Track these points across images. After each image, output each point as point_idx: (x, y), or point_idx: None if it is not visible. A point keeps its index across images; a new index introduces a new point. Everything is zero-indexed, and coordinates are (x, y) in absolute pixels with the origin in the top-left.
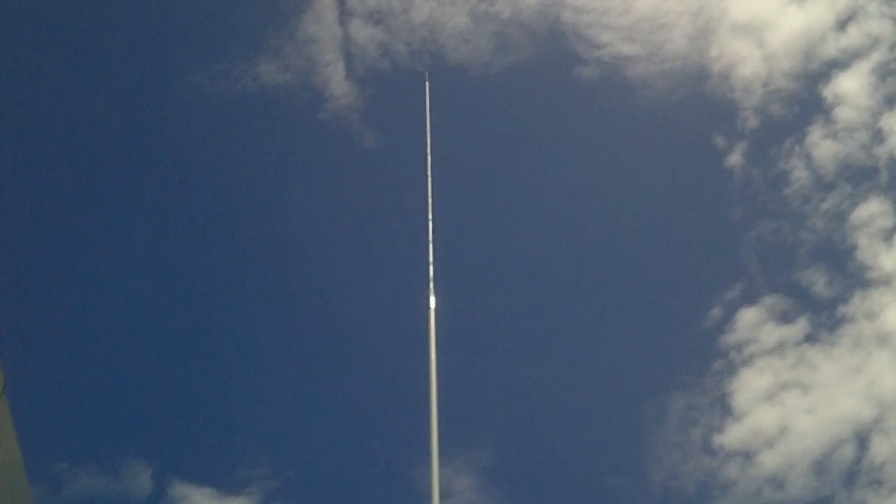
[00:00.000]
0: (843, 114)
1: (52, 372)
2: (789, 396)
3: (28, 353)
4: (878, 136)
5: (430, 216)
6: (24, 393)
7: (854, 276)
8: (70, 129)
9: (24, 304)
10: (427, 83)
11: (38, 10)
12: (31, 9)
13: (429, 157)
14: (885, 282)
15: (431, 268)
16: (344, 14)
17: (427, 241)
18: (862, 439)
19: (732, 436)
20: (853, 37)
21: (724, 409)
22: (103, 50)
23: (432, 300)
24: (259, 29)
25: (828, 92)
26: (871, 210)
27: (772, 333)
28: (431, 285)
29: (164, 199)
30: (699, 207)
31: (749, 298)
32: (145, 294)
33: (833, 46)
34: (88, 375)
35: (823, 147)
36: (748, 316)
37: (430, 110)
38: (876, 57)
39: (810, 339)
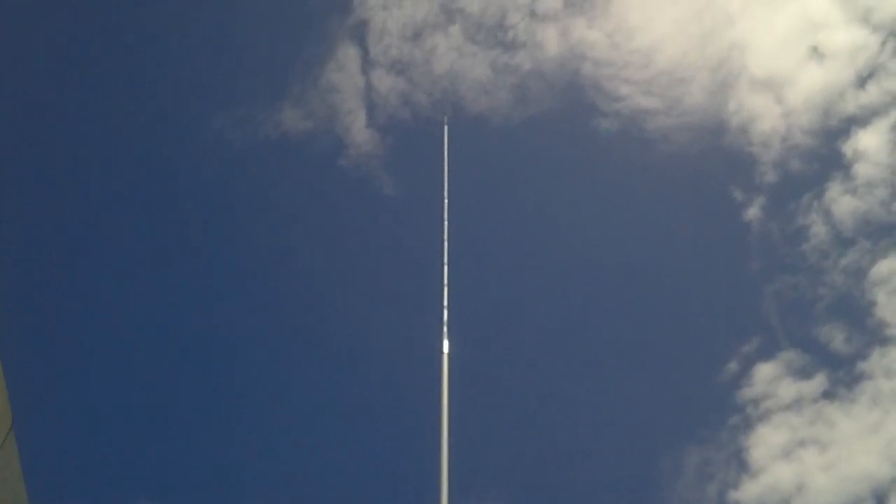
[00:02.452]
0: (863, 170)
1: (60, 414)
2: (806, 453)
3: (37, 393)
4: None
5: (445, 261)
6: (32, 434)
7: (873, 333)
8: (94, 172)
9: (35, 345)
10: (446, 129)
11: (67, 53)
12: (61, 51)
13: (446, 203)
14: None
15: (446, 312)
16: (366, 64)
17: (442, 286)
18: (880, 498)
19: (748, 492)
20: (873, 94)
21: (740, 464)
22: (128, 95)
23: (446, 344)
24: (283, 76)
25: (847, 148)
26: (890, 266)
27: (789, 389)
28: (445, 329)
29: (187, 243)
30: (717, 261)
31: (767, 353)
32: (160, 340)
33: (852, 103)
34: (97, 418)
35: (843, 203)
36: (765, 371)
37: (449, 156)
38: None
39: (828, 395)
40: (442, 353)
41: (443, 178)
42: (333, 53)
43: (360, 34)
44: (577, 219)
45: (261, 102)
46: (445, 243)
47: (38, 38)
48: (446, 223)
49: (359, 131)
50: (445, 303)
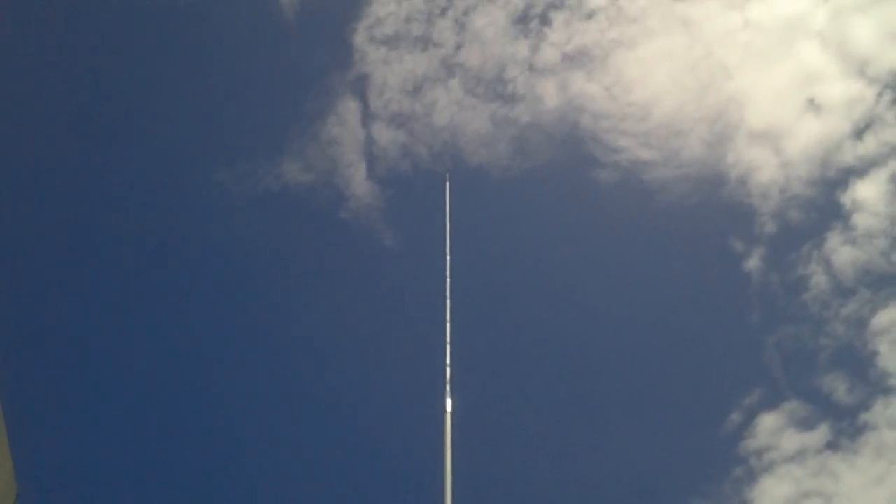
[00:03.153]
0: (862, 220)
1: (66, 489)
2: None
3: (42, 464)
4: None
5: (448, 317)
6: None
7: (876, 383)
8: (96, 227)
9: (38, 420)
10: (448, 184)
11: (69, 108)
12: (63, 106)
13: (448, 257)
14: None
15: (448, 370)
16: (367, 117)
17: (444, 343)
18: None
19: None
20: (870, 145)
21: None
22: (130, 151)
23: (448, 403)
24: (283, 130)
25: (846, 199)
26: (891, 316)
27: (792, 440)
28: (448, 388)
29: (188, 297)
30: (718, 312)
31: (769, 404)
32: (167, 407)
33: (850, 154)
34: (104, 490)
35: (843, 253)
36: (768, 422)
37: (451, 210)
38: (893, 165)
39: (832, 446)
40: (445, 411)
41: (444, 232)
42: (334, 107)
43: (360, 88)
44: (578, 271)
45: (262, 156)
46: (448, 299)
47: (41, 95)
48: (448, 278)
49: (359, 184)
50: (448, 361)
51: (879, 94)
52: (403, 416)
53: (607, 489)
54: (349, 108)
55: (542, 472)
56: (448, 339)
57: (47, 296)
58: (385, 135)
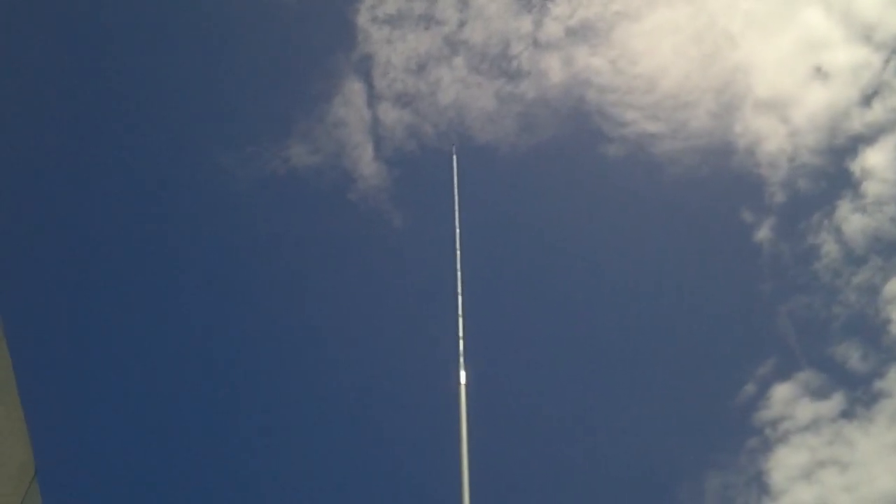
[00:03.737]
0: (872, 188)
1: (84, 466)
2: (827, 474)
3: (60, 445)
4: None
5: (459, 290)
6: (55, 482)
7: (889, 351)
8: (100, 212)
9: (56, 391)
10: (455, 157)
11: (71, 90)
12: (66, 88)
13: (457, 231)
14: None
15: (462, 342)
16: (372, 97)
17: (457, 316)
18: None
19: None
20: (878, 112)
21: (760, 487)
22: (134, 136)
23: (462, 375)
24: (289, 112)
25: (855, 166)
26: None
27: (807, 409)
28: (462, 360)
29: (196, 280)
30: (729, 283)
31: (783, 374)
32: (180, 392)
33: (858, 121)
34: (121, 470)
35: (853, 221)
36: (782, 392)
37: (458, 184)
38: None
39: (846, 415)
40: (459, 384)
41: (453, 207)
42: (339, 88)
43: (364, 68)
44: (589, 245)
45: (267, 139)
46: (459, 272)
47: (41, 76)
48: (458, 251)
49: (367, 164)
50: (461, 333)
51: (886, 61)
52: (418, 390)
53: (621, 460)
54: (354, 88)
55: (556, 444)
56: (460, 312)
57: (57, 277)
58: (391, 115)
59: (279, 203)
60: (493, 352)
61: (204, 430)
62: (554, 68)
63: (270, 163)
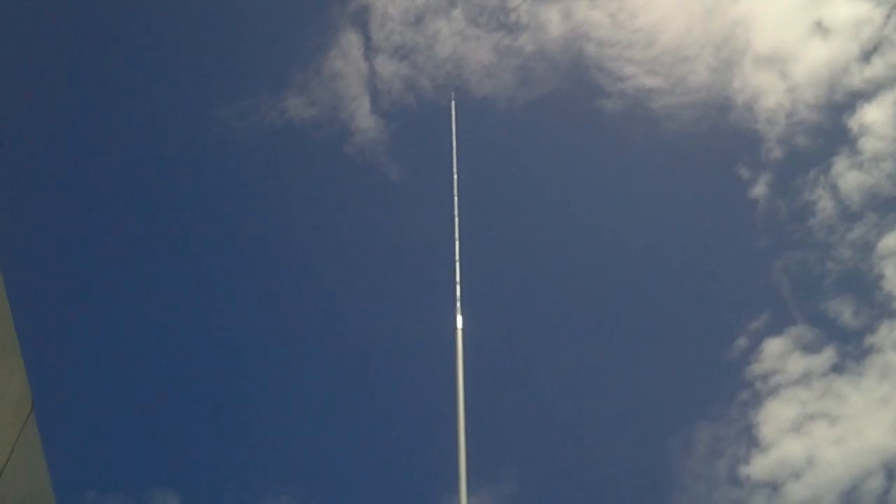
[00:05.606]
0: (869, 144)
1: (81, 400)
2: (816, 427)
3: (57, 379)
4: None
5: (456, 236)
6: (53, 420)
7: (881, 306)
8: (96, 165)
9: (53, 327)
10: (453, 104)
11: (68, 47)
12: (62, 46)
13: (455, 178)
14: None
15: (458, 288)
16: (369, 50)
17: (454, 262)
18: (890, 470)
19: (759, 467)
20: (877, 68)
21: (750, 440)
22: (130, 86)
23: (459, 320)
24: (285, 65)
25: (853, 123)
26: None
27: (798, 363)
28: (458, 305)
29: (193, 235)
30: (724, 238)
31: (775, 328)
32: (174, 325)
33: (857, 78)
34: (118, 405)
35: (849, 177)
36: (774, 346)
37: (457, 131)
38: None
39: (837, 369)
40: (456, 328)
41: (451, 156)
42: (336, 41)
43: (361, 21)
44: (584, 198)
45: (264, 92)
46: (456, 219)
47: (39, 35)
48: (456, 199)
49: (363, 118)
50: (458, 279)
51: (887, 16)
52: (415, 334)
53: (613, 410)
54: (351, 41)
55: (549, 392)
56: (457, 258)
57: (59, 228)
58: (388, 67)
59: (276, 156)
60: (489, 297)
61: (202, 360)
62: (553, 21)
63: (267, 115)
